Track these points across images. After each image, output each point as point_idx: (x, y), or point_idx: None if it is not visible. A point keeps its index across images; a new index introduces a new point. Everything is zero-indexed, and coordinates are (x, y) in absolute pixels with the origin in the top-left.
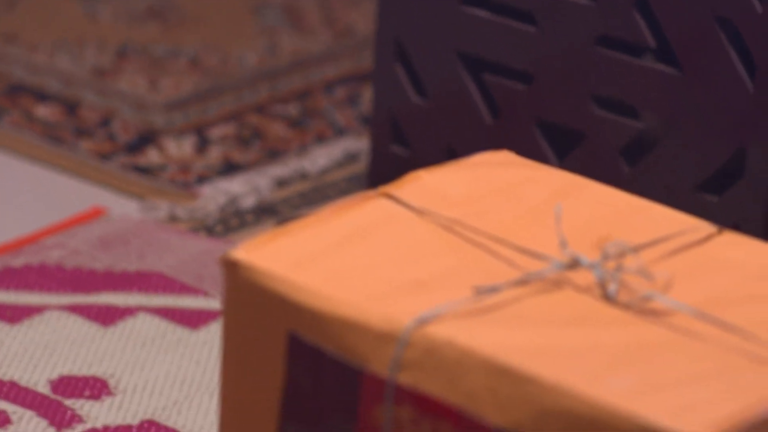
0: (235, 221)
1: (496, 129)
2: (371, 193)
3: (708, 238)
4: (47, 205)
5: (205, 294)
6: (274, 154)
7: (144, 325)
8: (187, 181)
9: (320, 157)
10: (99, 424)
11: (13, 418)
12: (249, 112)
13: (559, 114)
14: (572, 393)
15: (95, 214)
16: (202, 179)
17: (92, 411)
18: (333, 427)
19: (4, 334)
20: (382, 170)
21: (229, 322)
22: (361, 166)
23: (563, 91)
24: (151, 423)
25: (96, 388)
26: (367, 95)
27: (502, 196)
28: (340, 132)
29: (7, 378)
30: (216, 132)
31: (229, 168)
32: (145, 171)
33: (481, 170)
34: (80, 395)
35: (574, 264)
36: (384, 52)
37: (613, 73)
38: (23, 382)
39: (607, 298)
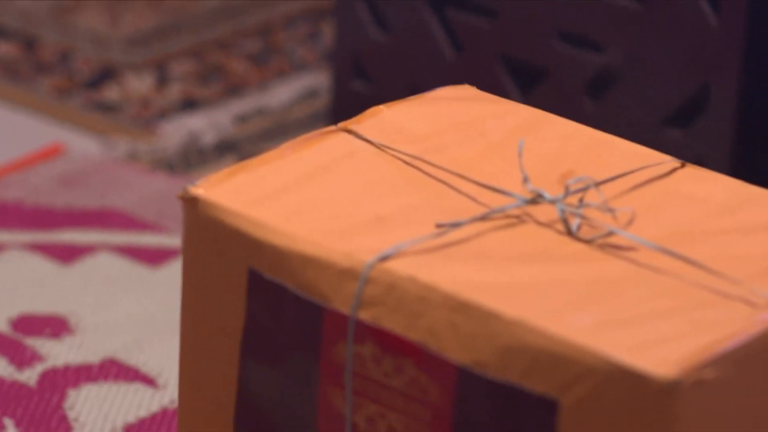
0: (195, 158)
1: (459, 65)
2: (332, 128)
3: (671, 172)
4: (6, 143)
5: (166, 231)
6: (234, 91)
7: (105, 263)
8: (148, 118)
9: (281, 93)
10: (60, 363)
11: None
12: (210, 48)
13: (523, 49)
14: (534, 329)
15: (55, 152)
16: (163, 116)
17: (53, 350)
18: (295, 364)
19: None
20: (344, 106)
21: (188, 259)
22: (322, 102)
23: (527, 27)
24: (112, 362)
25: (57, 326)
26: (328, 31)
27: (464, 131)
28: (301, 68)
29: None
30: (177, 68)
31: (190, 104)
32: (105, 108)
33: (442, 105)
34: (40, 334)
35: (537, 199)
36: None
37: (577, 8)
38: None
39: (570, 233)
